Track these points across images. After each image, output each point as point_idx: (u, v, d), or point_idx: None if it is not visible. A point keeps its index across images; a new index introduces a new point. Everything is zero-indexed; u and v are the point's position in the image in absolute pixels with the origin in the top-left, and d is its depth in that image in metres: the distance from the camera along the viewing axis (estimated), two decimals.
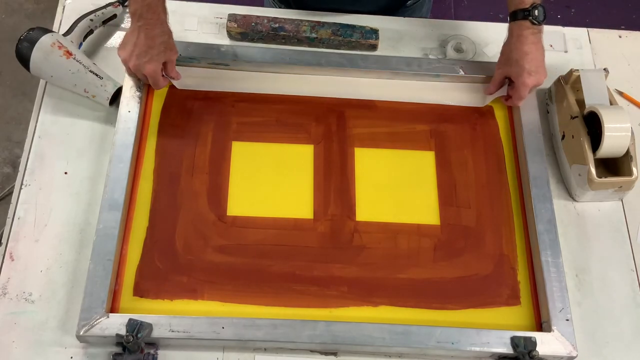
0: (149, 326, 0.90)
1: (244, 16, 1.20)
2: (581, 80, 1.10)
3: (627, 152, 1.04)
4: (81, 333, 0.89)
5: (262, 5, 1.33)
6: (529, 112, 1.12)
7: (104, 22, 1.18)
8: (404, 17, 1.29)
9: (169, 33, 1.04)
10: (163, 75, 1.07)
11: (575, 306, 1.00)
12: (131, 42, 1.02)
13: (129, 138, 1.03)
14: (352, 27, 1.21)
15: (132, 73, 1.06)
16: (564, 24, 1.29)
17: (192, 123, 1.10)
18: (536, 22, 1.04)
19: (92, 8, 1.17)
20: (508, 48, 1.09)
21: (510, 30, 1.08)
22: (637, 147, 1.06)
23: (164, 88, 1.12)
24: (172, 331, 0.90)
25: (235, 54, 1.14)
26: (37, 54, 1.07)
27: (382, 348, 0.93)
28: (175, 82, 1.11)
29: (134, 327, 0.89)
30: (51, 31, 1.10)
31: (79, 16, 1.15)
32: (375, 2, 1.27)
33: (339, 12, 1.25)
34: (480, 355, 0.94)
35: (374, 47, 1.22)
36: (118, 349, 0.91)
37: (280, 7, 1.31)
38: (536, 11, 1.03)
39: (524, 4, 1.05)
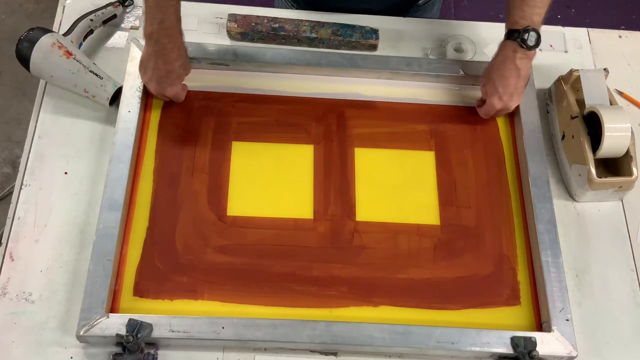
0: (149, 326, 0.90)
1: (244, 16, 1.20)
2: (581, 80, 1.10)
3: (627, 152, 1.04)
4: (81, 333, 0.89)
5: (268, 5, 1.32)
6: (529, 112, 1.12)
7: (104, 22, 1.18)
8: (415, 16, 1.28)
9: (185, 54, 1.05)
10: None
11: (575, 306, 1.00)
12: (150, 67, 1.03)
13: (129, 138, 1.03)
14: (352, 27, 1.21)
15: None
16: (564, 24, 1.29)
17: (192, 123, 1.10)
18: (524, 47, 1.02)
19: (92, 8, 1.17)
20: (491, 65, 1.08)
21: (499, 48, 1.07)
22: (637, 147, 1.06)
23: None
24: (172, 331, 0.90)
25: (235, 54, 1.14)
26: (37, 54, 1.07)
27: (382, 348, 0.93)
28: None
29: (134, 327, 0.89)
30: (51, 31, 1.10)
31: (79, 16, 1.15)
32: (387, 1, 1.27)
33: (351, 11, 1.24)
34: (480, 355, 0.94)
35: (374, 47, 1.22)
36: (118, 349, 0.91)
37: (292, 7, 1.31)
38: (527, 35, 1.01)
39: (517, 24, 1.02)
